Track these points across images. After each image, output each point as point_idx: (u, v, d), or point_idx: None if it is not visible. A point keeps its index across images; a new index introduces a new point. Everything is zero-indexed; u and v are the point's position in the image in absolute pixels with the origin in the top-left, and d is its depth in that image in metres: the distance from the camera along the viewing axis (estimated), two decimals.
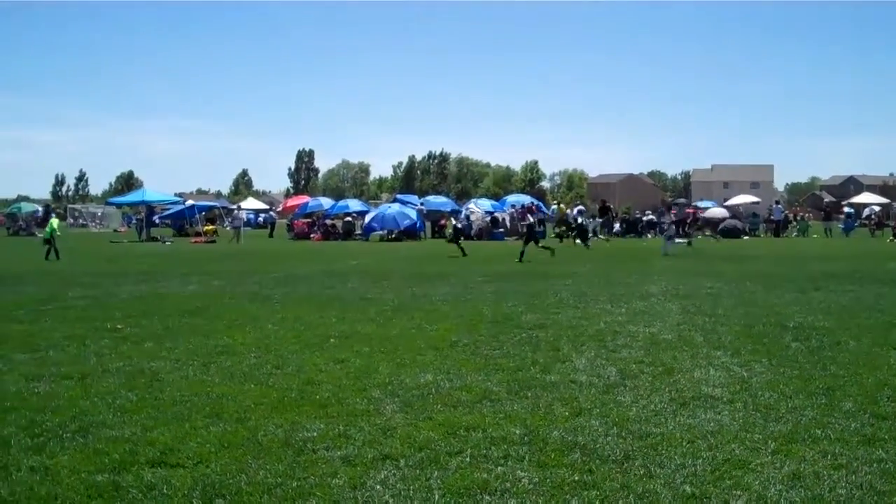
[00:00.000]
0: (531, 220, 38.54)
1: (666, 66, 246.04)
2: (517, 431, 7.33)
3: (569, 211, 53.97)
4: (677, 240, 37.09)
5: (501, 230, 51.16)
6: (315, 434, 7.25)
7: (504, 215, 54.27)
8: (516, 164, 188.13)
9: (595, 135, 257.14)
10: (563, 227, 48.63)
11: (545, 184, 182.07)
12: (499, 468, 6.37)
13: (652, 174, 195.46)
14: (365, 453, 6.72)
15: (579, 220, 47.08)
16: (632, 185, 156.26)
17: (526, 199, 61.28)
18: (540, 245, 32.19)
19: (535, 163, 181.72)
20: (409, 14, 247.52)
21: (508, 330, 13.13)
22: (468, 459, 6.58)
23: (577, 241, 41.93)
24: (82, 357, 11.06)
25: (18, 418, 7.87)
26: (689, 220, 51.99)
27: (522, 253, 30.20)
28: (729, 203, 72.71)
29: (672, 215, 38.19)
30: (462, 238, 37.41)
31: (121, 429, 7.49)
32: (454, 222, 46.70)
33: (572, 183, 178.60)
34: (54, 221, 35.43)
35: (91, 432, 7.39)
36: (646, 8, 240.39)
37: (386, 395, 8.78)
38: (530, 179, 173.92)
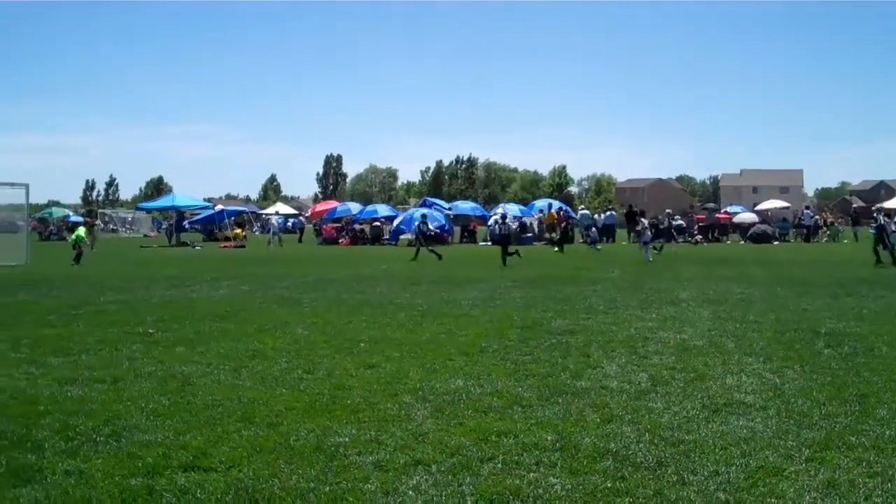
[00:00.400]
0: (512, 226, 38.42)
1: (696, 70, 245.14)
2: (549, 437, 7.31)
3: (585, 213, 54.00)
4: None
5: (529, 235, 51.10)
6: (347, 439, 7.26)
7: (532, 220, 54.23)
8: (544, 169, 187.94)
9: (623, 139, 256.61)
10: (553, 234, 48.89)
11: (573, 189, 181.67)
12: (531, 474, 6.35)
13: (681, 179, 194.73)
14: (397, 458, 6.72)
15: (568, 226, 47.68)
16: (660, 190, 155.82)
17: (554, 204, 61.15)
18: (511, 253, 32.23)
19: (563, 167, 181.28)
20: (438, 18, 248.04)
21: (538, 335, 13.11)
22: (500, 465, 6.57)
23: (556, 247, 42.44)
24: (115, 361, 11.13)
25: (52, 422, 7.92)
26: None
27: (507, 257, 31.25)
28: (759, 208, 72.36)
29: (645, 221, 37.70)
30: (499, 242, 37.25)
31: (154, 433, 7.53)
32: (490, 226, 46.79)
33: (600, 188, 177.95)
34: (81, 230, 35.77)
35: (124, 436, 7.44)
36: (675, 10, 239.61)
37: (417, 400, 8.78)
38: (558, 184, 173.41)
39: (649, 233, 35.53)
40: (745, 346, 12.11)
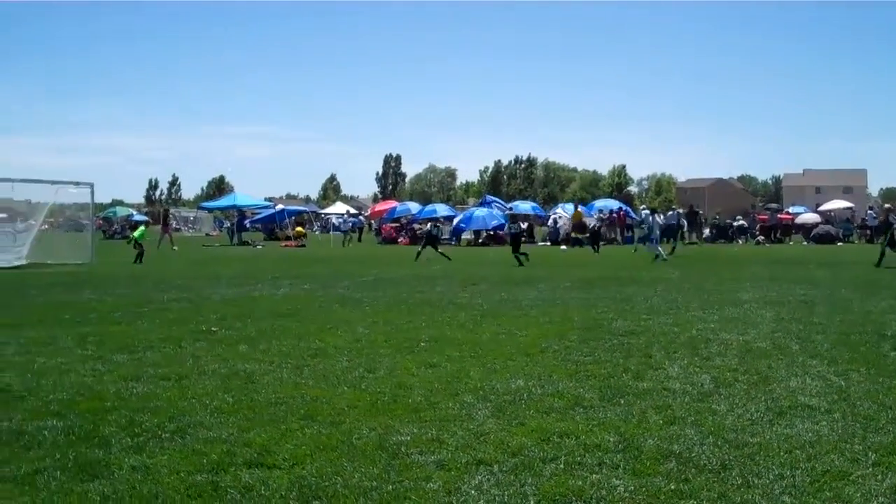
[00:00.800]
0: (516, 228, 38.15)
1: (758, 67, 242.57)
2: (611, 439, 7.27)
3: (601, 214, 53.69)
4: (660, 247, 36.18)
5: (589, 235, 50.81)
6: (408, 438, 7.28)
7: (592, 220, 53.96)
8: (604, 169, 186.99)
9: (684, 138, 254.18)
10: (580, 234, 48.76)
11: (633, 188, 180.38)
12: (594, 476, 6.32)
13: (742, 179, 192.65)
14: (458, 458, 6.73)
15: (597, 226, 47.37)
16: (721, 190, 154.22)
17: (614, 205, 60.85)
18: (523, 253, 32.38)
19: (623, 167, 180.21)
20: (497, 17, 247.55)
21: (599, 336, 13.05)
22: (562, 466, 6.55)
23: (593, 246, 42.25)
24: (179, 359, 11.26)
25: (119, 418, 8.04)
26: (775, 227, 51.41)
27: (519, 258, 31.56)
28: (822, 208, 71.44)
29: (657, 218, 37.27)
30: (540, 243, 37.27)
31: (218, 430, 7.61)
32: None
33: (661, 187, 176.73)
34: (141, 228, 36.33)
35: (189, 433, 7.52)
36: (733, 9, 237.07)
37: (478, 399, 8.78)
38: (618, 184, 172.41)
39: (658, 231, 35.99)
40: (809, 348, 11.96)
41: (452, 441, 7.20)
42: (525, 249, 33.06)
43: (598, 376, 9.94)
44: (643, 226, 41.78)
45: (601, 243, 44.60)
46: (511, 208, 63.05)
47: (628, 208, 65.43)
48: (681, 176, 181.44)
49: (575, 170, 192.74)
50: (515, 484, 6.15)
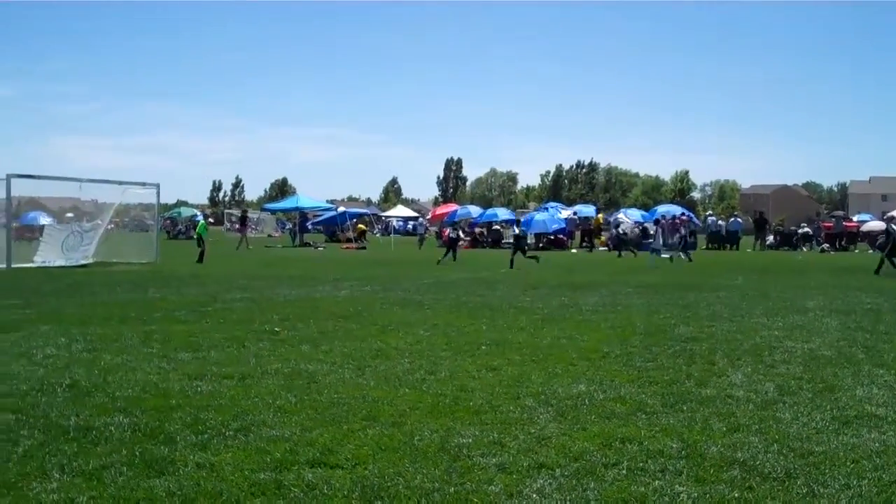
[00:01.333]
0: (517, 231, 38.00)
1: (823, 73, 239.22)
2: (674, 445, 7.22)
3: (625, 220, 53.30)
4: (664, 254, 35.67)
5: (651, 241, 50.42)
6: (470, 440, 7.28)
7: (654, 226, 53.57)
8: (666, 174, 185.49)
9: (749, 144, 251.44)
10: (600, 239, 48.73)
11: (696, 194, 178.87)
12: (656, 482, 6.28)
13: (807, 185, 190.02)
14: (520, 461, 6.72)
15: (625, 231, 47.06)
16: (785, 197, 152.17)
17: (677, 210, 60.38)
18: (528, 256, 33.16)
19: (686, 173, 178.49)
20: (560, 22, 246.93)
21: (661, 342, 12.96)
22: (624, 472, 6.51)
23: (621, 253, 42.13)
24: (242, 358, 11.38)
25: (183, 416, 8.13)
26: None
27: (512, 261, 32.25)
28: (889, 216, 70.21)
29: (658, 228, 36.95)
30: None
31: (281, 429, 7.67)
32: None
33: (724, 194, 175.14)
34: (202, 222, 36.80)
35: (252, 431, 7.59)
36: (798, 10, 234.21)
37: (539, 403, 8.76)
38: (680, 189, 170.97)
39: (660, 239, 35.92)
40: (875, 357, 11.77)
41: (514, 444, 7.19)
42: (579, 253, 33.10)
43: (661, 382, 9.88)
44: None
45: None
46: (575, 213, 62.85)
47: (691, 214, 64.87)
48: (745, 182, 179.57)
49: (637, 175, 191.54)
50: (577, 488, 6.12)
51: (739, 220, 61.52)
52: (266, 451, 6.95)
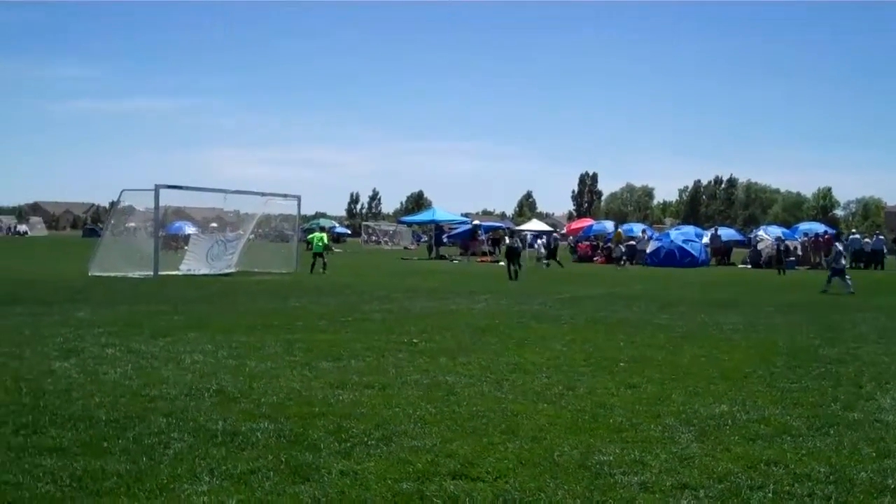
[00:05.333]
0: (514, 243, 37.20)
1: None
2: (821, 469, 7.02)
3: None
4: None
5: (793, 259, 49.25)
6: (611, 458, 7.22)
7: (796, 244, 52.30)
8: (808, 191, 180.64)
9: (894, 160, 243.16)
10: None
11: (839, 212, 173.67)
12: None
13: None
14: (662, 481, 6.63)
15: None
16: None
17: (819, 228, 58.83)
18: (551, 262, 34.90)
19: (829, 189, 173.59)
20: (698, 36, 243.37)
21: (805, 363, 12.63)
22: (770, 495, 6.36)
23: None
24: (382, 368, 11.52)
25: (327, 423, 8.27)
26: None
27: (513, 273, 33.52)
28: None
29: (839, 246, 34.98)
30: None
31: (422, 439, 7.74)
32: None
33: (868, 212, 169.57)
34: (324, 237, 37.37)
35: (394, 441, 7.68)
36: None
37: (680, 423, 8.64)
38: (822, 207, 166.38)
39: (843, 261, 31.08)
40: None
41: (656, 463, 7.11)
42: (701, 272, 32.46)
43: (806, 404, 9.63)
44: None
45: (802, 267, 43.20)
46: (717, 230, 61.66)
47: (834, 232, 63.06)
48: (890, 200, 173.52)
49: (777, 191, 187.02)
50: None
51: (882, 237, 59.40)
52: (408, 461, 7.01)
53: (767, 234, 55.28)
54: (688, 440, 7.95)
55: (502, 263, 38.13)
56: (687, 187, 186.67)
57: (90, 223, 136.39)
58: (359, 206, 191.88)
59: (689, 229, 58.33)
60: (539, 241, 48.28)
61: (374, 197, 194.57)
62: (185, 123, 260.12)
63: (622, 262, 47.36)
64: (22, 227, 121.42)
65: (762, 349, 14.04)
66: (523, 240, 43.64)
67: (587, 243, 59.52)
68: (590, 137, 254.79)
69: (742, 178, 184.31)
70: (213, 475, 6.57)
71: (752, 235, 60.87)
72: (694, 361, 12.68)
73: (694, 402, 9.60)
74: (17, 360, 11.57)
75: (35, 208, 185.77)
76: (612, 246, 51.73)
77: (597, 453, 7.36)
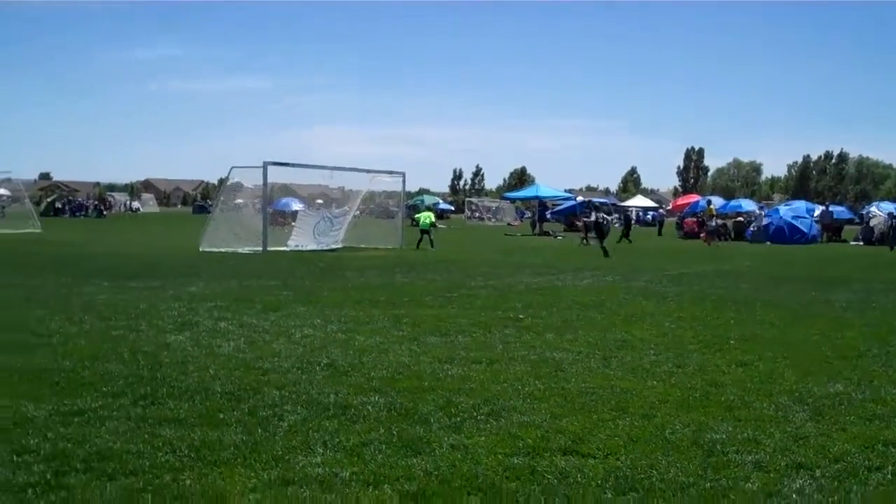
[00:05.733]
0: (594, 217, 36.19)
1: None
2: None
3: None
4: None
5: None
6: (723, 436, 7.14)
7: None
8: None
9: None
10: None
11: None
12: None
13: None
14: (777, 460, 6.53)
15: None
16: None
17: None
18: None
19: None
20: (802, 11, 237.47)
21: None
22: (889, 476, 6.22)
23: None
24: (489, 343, 11.56)
25: (436, 398, 8.34)
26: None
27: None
28: None
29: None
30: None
31: (531, 415, 7.75)
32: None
33: None
34: (430, 216, 37.54)
35: (503, 416, 7.70)
36: None
37: (793, 401, 8.49)
38: None
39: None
40: None
41: (770, 442, 7.01)
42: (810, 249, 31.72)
43: None
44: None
45: None
46: (828, 206, 60.23)
47: None
48: None
49: (890, 166, 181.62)
50: (839, 491, 5.91)
51: None
52: (518, 436, 7.04)
53: (880, 211, 53.77)
54: (802, 419, 7.82)
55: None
56: (796, 163, 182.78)
57: (200, 200, 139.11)
58: (462, 183, 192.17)
59: (800, 205, 56.98)
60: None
61: (477, 173, 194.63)
62: (288, 102, 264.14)
63: (715, 240, 46.06)
64: (135, 204, 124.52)
65: (877, 327, 13.70)
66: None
67: (693, 219, 58.60)
68: (696, 112, 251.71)
69: (853, 153, 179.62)
70: (326, 447, 6.68)
71: (864, 212, 59.28)
72: (806, 339, 12.44)
73: (807, 381, 9.43)
74: (135, 332, 11.90)
75: (147, 185, 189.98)
76: (706, 220, 50.66)
77: (709, 431, 7.29)
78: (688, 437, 7.09)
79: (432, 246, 34.61)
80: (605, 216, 37.34)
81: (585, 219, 38.82)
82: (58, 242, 34.69)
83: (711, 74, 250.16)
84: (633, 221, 50.58)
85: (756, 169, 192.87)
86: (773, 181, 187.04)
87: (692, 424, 7.50)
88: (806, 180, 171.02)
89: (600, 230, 35.06)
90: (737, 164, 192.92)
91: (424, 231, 35.72)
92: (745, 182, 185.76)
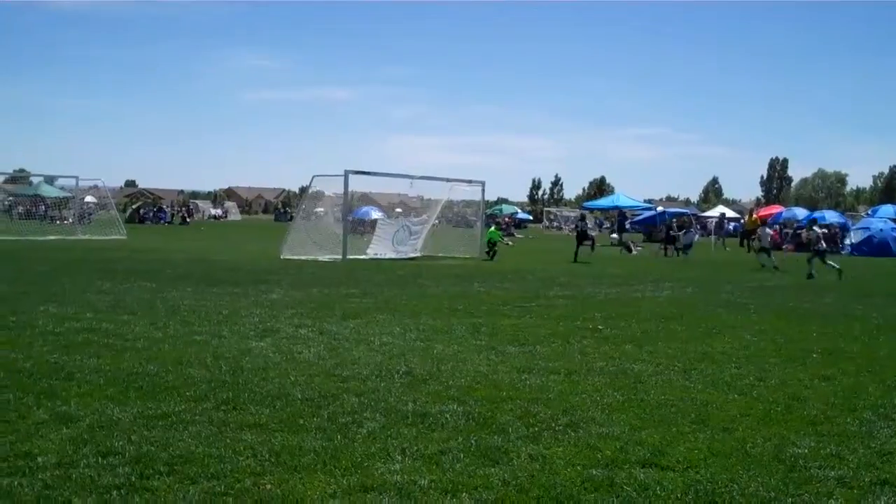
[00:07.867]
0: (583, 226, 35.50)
1: None
2: None
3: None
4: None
5: None
6: (806, 451, 7.04)
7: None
8: None
9: None
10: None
11: None
12: None
13: None
14: (861, 476, 6.43)
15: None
16: None
17: None
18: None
19: None
20: (887, 16, 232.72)
21: None
22: None
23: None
24: (567, 354, 11.52)
25: (514, 407, 8.34)
26: None
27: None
28: None
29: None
30: None
31: (609, 426, 7.72)
32: None
33: None
34: (493, 229, 37.82)
35: (581, 427, 7.68)
36: None
37: (878, 417, 8.34)
38: None
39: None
40: None
41: (853, 458, 6.90)
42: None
43: None
44: None
45: None
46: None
47: None
48: None
49: None
50: None
51: None
52: (596, 447, 7.01)
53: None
54: (887, 435, 7.68)
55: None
56: (882, 173, 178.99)
57: (281, 208, 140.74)
58: (540, 192, 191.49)
59: (888, 208, 55.89)
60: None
61: (556, 182, 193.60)
62: (368, 112, 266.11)
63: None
64: (217, 212, 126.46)
65: None
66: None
67: (776, 230, 57.73)
68: (780, 123, 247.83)
69: None
70: (405, 455, 6.72)
71: None
72: (891, 354, 12.22)
73: (893, 396, 9.27)
74: (217, 338, 12.08)
75: (229, 193, 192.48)
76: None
77: (791, 446, 7.19)
78: (769, 452, 7.01)
79: (492, 257, 34.62)
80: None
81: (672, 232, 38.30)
82: (142, 249, 35.32)
83: (797, 84, 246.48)
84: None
85: (841, 179, 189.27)
86: (859, 192, 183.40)
87: (774, 438, 7.41)
88: (892, 191, 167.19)
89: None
90: (821, 174, 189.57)
91: (493, 243, 35.80)
92: (829, 193, 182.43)
